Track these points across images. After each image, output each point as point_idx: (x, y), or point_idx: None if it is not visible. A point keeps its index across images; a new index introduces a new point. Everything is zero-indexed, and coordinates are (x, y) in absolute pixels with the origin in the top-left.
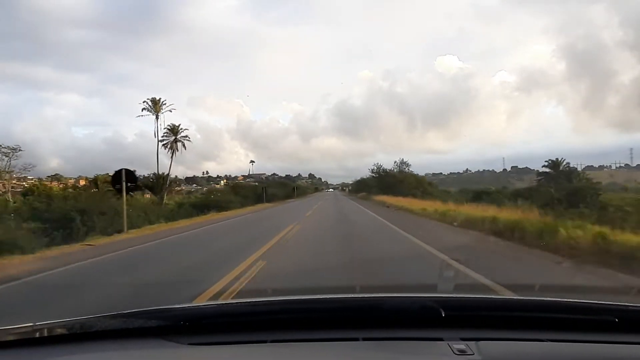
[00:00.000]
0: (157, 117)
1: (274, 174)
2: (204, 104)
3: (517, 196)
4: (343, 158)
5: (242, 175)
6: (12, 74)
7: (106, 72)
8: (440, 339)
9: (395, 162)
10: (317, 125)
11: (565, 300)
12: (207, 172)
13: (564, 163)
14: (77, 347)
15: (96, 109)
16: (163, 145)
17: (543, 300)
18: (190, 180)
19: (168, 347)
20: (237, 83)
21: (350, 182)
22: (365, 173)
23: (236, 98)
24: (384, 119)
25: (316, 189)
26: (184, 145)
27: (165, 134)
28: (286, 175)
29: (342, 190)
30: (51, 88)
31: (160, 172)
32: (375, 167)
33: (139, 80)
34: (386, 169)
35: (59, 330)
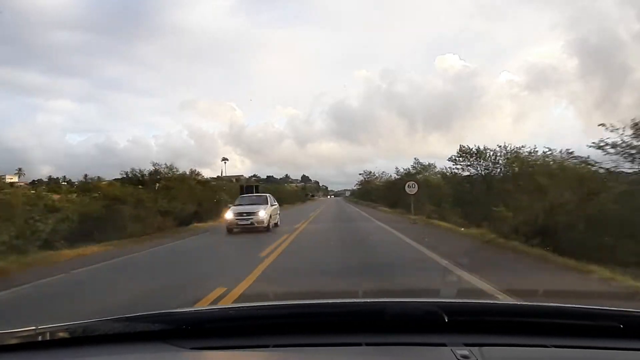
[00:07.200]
0: None
1: (253, 175)
2: (197, 108)
3: None
4: (342, 164)
5: (211, 178)
6: (1, 79)
7: (97, 77)
8: (444, 345)
9: None
10: (313, 130)
11: (570, 305)
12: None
13: None
14: (80, 351)
15: (87, 115)
16: None
17: (547, 305)
18: None
19: (170, 351)
20: (231, 86)
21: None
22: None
23: (230, 101)
24: (384, 122)
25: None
26: None
27: None
28: (267, 176)
29: (356, 199)
30: (42, 94)
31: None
32: None
33: (130, 85)
34: None
35: (61, 334)
